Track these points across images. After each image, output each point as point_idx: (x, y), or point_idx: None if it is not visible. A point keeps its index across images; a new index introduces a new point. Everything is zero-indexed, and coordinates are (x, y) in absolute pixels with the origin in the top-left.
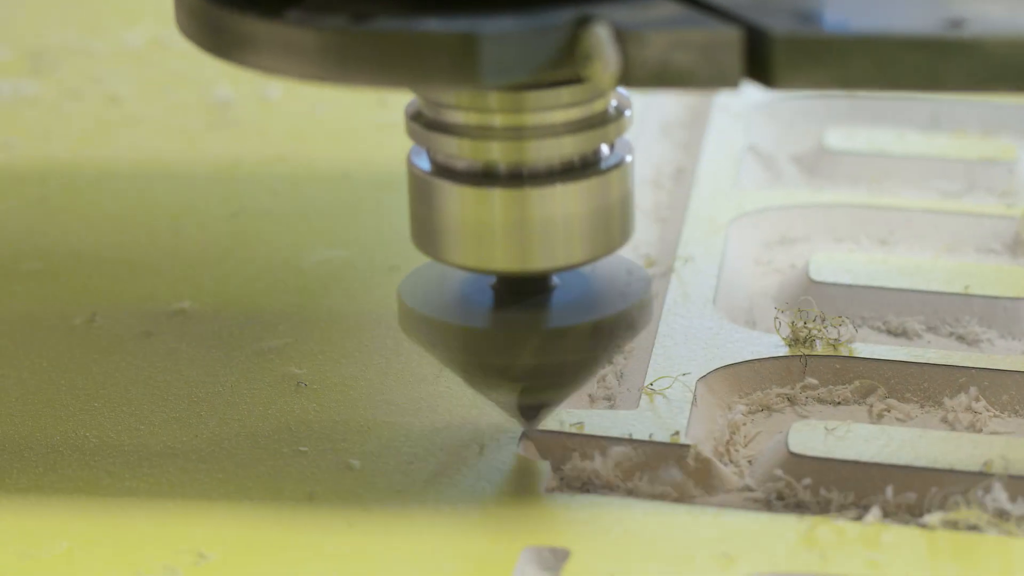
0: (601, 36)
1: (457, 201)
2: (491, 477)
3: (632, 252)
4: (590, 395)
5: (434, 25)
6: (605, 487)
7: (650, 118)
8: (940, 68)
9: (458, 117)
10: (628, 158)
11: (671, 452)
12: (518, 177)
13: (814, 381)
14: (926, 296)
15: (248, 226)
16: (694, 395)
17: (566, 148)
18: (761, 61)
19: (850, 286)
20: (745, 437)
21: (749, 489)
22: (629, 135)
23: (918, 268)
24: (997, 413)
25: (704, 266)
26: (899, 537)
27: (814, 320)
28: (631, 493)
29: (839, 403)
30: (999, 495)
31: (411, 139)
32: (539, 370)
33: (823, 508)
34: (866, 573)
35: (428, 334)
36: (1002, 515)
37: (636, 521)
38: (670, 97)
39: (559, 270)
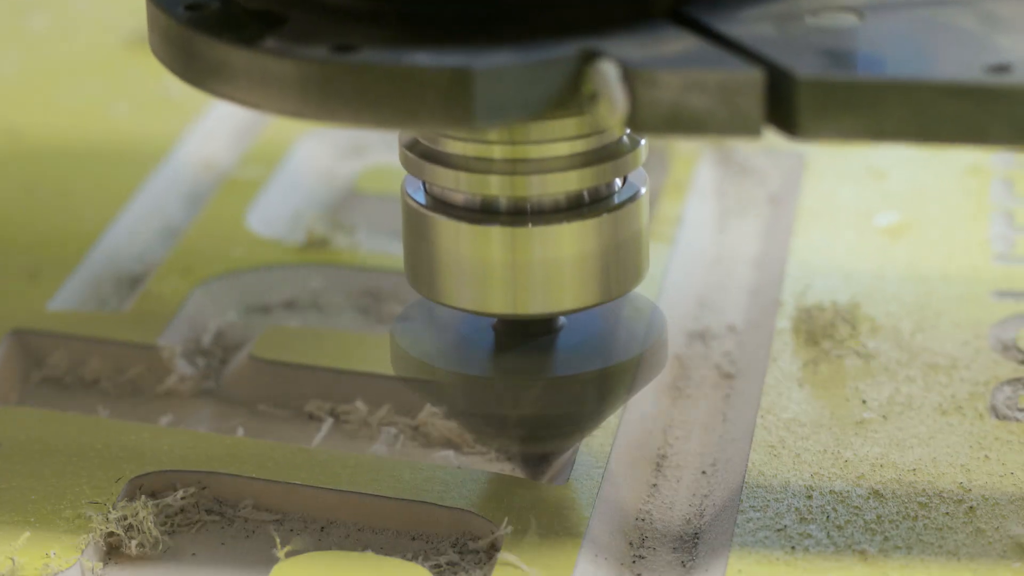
0: (608, 75)
1: (454, 238)
2: None
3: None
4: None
5: (423, 59)
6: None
7: None
8: (983, 119)
9: (455, 148)
10: (642, 190)
11: (145, 354)
12: (520, 213)
13: (318, 286)
14: None
15: None
16: (185, 302)
17: (573, 183)
18: (784, 106)
19: (383, 197)
20: (228, 341)
21: (209, 392)
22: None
23: None
24: None
25: (268, 176)
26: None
27: (332, 228)
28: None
29: (335, 312)
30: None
31: (405, 168)
32: (543, 421)
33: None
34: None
35: (424, 379)
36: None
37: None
38: None
39: (565, 314)
